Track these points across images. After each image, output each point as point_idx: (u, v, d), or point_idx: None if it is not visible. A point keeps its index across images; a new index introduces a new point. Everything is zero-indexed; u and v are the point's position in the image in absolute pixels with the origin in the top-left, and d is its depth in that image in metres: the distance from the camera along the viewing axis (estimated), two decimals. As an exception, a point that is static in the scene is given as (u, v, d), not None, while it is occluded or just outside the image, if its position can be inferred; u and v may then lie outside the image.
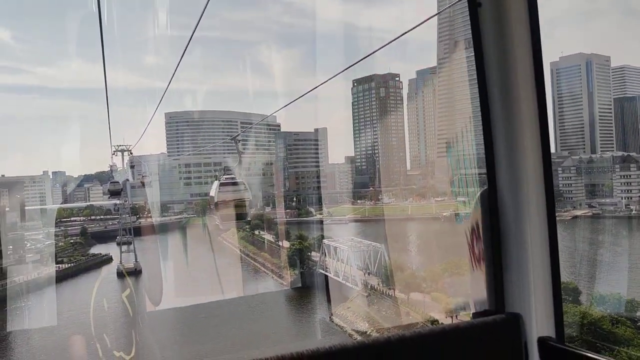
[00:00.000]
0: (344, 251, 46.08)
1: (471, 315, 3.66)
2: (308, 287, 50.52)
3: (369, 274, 44.90)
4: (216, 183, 33.76)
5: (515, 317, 3.37)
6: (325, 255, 48.85)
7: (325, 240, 50.84)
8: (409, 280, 39.96)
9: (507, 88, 3.40)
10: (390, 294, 40.51)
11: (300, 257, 52.30)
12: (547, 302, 3.41)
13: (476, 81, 3.53)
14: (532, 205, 3.41)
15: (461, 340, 3.30)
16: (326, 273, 47.94)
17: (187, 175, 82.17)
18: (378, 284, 43.72)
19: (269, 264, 56.76)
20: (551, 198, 3.44)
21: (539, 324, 3.36)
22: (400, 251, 49.00)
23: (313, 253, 52.98)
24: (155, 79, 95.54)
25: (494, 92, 3.47)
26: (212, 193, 33.60)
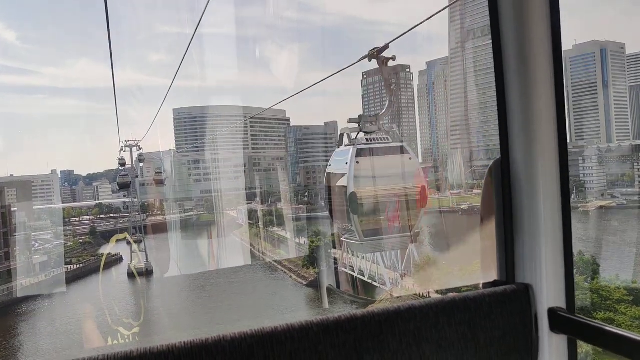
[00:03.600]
0: (369, 248, 41.88)
1: (481, 285, 3.44)
2: (331, 287, 46.27)
3: (403, 274, 40.59)
4: (351, 151, 9.91)
5: (525, 287, 3.23)
6: (348, 252, 44.49)
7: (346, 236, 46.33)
8: (446, 280, 35.78)
9: (523, 58, 3.23)
10: (424, 294, 36.34)
11: (321, 255, 48.04)
12: (558, 273, 3.26)
13: (491, 71, 3.35)
14: (546, 175, 3.25)
15: (471, 310, 3.10)
16: (349, 271, 43.70)
17: (196, 171, 79.26)
18: (407, 283, 39.59)
19: (286, 262, 52.48)
20: (565, 170, 3.27)
21: (549, 294, 3.23)
22: (426, 247, 44.70)
23: (333, 250, 48.70)
24: (163, 76, 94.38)
25: (510, 66, 3.29)
26: (343, 181, 9.57)
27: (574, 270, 3.38)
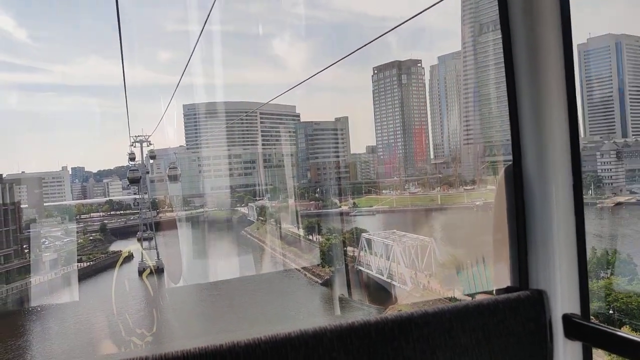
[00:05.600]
0: (388, 246, 39.49)
1: (494, 291, 3.37)
2: (347, 286, 44.06)
3: (427, 274, 38.31)
4: None
5: (539, 293, 3.17)
6: (365, 250, 42.31)
7: (364, 234, 44.23)
8: (472, 281, 33.50)
9: (533, 57, 3.15)
10: (449, 295, 34.11)
11: (336, 253, 45.84)
12: (572, 279, 3.20)
13: (503, 64, 3.29)
14: (559, 180, 3.19)
15: (484, 316, 3.05)
16: (367, 270, 41.48)
17: (206, 167, 77.68)
18: (430, 283, 37.39)
19: (300, 261, 50.28)
20: (578, 173, 3.20)
21: (563, 300, 3.16)
22: (447, 245, 42.40)
23: (349, 248, 46.49)
24: (173, 73, 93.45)
25: (520, 63, 3.21)
26: None
27: (588, 274, 3.27)
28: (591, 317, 3.26)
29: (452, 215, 58.06)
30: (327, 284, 44.37)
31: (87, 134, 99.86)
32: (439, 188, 72.74)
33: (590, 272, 33.83)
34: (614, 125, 73.45)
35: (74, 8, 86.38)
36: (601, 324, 3.08)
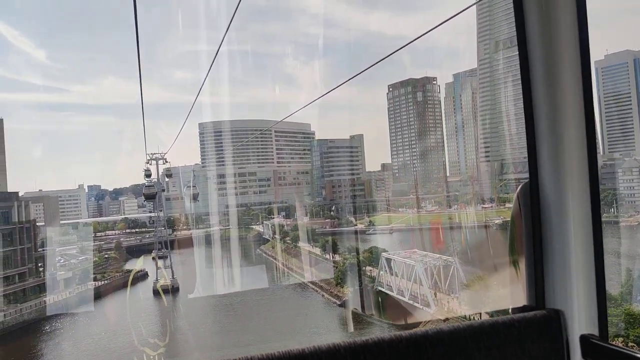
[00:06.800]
0: (409, 266, 37.78)
1: (510, 310, 3.24)
2: (366, 308, 42.23)
3: (453, 296, 36.42)
4: None
5: (556, 313, 3.08)
6: (385, 270, 40.59)
7: (383, 254, 42.53)
8: (499, 305, 31.66)
9: (551, 75, 3.09)
10: (475, 318, 32.23)
11: (354, 273, 44.09)
12: (590, 299, 3.08)
13: (519, 80, 3.24)
14: (576, 198, 3.08)
15: (500, 336, 2.96)
16: (387, 291, 39.69)
17: (221, 185, 76.87)
18: (454, 305, 35.55)
19: (317, 280, 48.55)
20: (596, 191, 3.08)
21: (581, 320, 3.06)
22: (468, 264, 40.52)
23: (367, 267, 44.71)
24: (189, 92, 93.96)
25: (538, 80, 3.15)
26: None
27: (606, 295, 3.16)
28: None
29: (471, 234, 56.18)
30: (346, 305, 42.56)
31: (104, 152, 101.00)
32: (456, 206, 70.92)
33: (627, 294, 31.87)
34: (634, 142, 71.62)
35: (92, 29, 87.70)
36: (621, 346, 2.96)
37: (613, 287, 32.26)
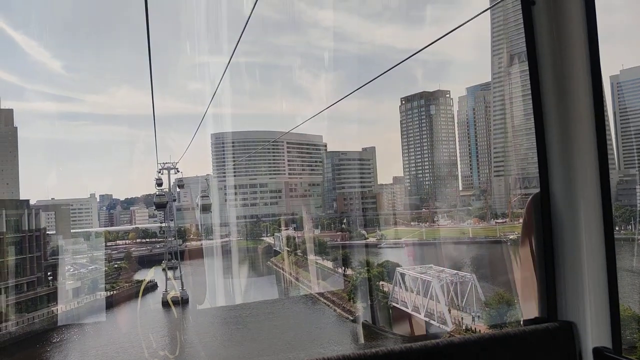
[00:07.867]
0: (425, 282, 36.34)
1: (522, 322, 3.21)
2: (379, 323, 40.68)
3: (475, 315, 34.86)
4: None
5: (569, 325, 3.03)
6: (400, 285, 39.13)
7: (398, 269, 41.10)
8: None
9: (561, 87, 3.06)
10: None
11: (368, 288, 42.67)
12: (602, 311, 3.02)
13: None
14: (588, 210, 3.03)
15: (511, 348, 2.94)
16: (402, 307, 38.21)
17: (232, 196, 75.97)
18: (473, 323, 34.04)
19: (329, 294, 47.13)
20: (608, 203, 3.02)
21: (594, 333, 2.99)
22: (484, 280, 39.01)
23: (382, 282, 43.26)
24: (201, 103, 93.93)
25: (548, 91, 3.12)
26: None
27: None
28: None
29: (485, 251, 54.67)
30: (359, 320, 41.04)
31: (116, 161, 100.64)
32: (469, 220, 69.45)
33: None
34: (650, 158, 70.02)
35: (106, 40, 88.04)
36: (635, 359, 2.50)
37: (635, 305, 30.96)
